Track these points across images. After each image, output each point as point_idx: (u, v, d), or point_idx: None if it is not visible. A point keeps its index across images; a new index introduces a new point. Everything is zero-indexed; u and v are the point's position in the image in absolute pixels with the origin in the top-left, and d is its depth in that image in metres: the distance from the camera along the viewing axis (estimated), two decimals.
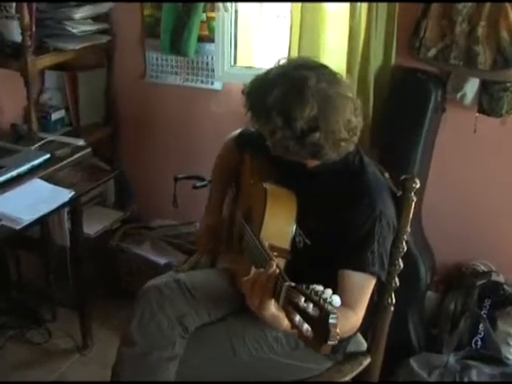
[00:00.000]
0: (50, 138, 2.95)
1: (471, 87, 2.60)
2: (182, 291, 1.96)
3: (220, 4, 3.04)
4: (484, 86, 2.57)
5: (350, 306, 1.75)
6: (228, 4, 3.06)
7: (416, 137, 2.64)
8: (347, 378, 2.09)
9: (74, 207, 2.76)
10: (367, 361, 2.15)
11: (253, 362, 1.96)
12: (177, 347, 1.89)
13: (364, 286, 1.83)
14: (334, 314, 1.28)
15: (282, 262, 1.79)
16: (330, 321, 1.27)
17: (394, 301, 2.08)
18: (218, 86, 3.24)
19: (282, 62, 1.88)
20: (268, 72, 1.84)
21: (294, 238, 1.89)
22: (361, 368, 2.13)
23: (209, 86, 3.26)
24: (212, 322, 1.98)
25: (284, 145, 1.80)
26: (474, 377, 2.42)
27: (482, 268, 2.81)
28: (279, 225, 1.88)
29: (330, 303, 1.31)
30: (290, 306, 1.38)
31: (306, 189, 1.91)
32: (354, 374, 2.10)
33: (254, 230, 1.89)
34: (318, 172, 1.92)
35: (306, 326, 1.33)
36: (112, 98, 3.51)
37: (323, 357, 2.02)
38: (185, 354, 1.91)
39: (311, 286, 1.36)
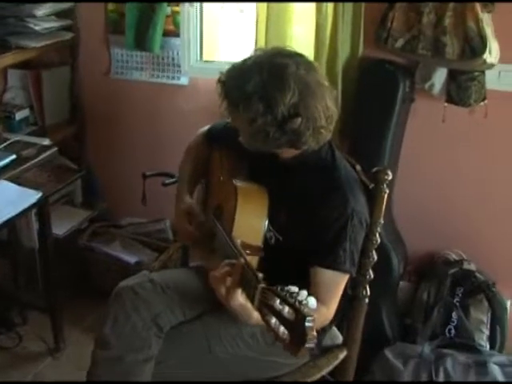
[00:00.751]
0: (15, 138, 2.90)
1: (439, 77, 2.61)
2: (156, 291, 1.94)
3: None
4: (452, 76, 2.58)
5: (322, 302, 1.75)
6: None
7: (385, 127, 2.65)
8: (324, 372, 2.08)
9: (41, 208, 2.71)
10: (343, 354, 2.14)
11: (229, 360, 1.94)
12: (152, 348, 1.87)
13: (336, 282, 1.85)
14: (311, 316, 1.26)
15: (254, 260, 1.78)
16: (307, 324, 1.25)
17: (368, 293, 2.08)
18: (184, 81, 3.21)
19: (259, 51, 1.86)
20: (245, 60, 1.83)
21: (265, 234, 1.88)
22: (337, 361, 2.12)
23: (175, 82, 3.23)
24: (188, 320, 1.97)
25: (265, 132, 1.77)
26: (449, 365, 2.44)
27: (454, 257, 2.83)
28: (251, 222, 1.86)
29: (306, 305, 1.29)
30: (266, 308, 1.36)
31: (278, 183, 1.90)
32: (330, 367, 2.10)
33: (225, 228, 1.86)
34: (290, 165, 1.91)
35: (282, 329, 1.31)
36: (77, 95, 3.45)
37: None
38: (161, 354, 1.89)
39: (286, 288, 1.34)
